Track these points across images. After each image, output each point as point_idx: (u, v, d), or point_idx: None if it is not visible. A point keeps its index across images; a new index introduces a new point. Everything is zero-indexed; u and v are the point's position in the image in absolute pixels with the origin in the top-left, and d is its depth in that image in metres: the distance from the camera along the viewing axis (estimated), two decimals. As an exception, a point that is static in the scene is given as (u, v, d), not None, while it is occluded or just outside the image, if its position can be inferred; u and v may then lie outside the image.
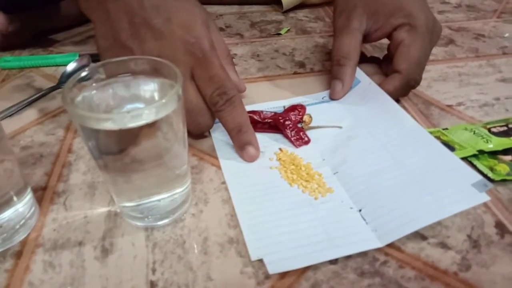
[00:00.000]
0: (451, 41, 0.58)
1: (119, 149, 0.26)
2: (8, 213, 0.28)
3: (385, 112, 0.37)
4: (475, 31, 0.61)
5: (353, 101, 0.41)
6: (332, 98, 0.43)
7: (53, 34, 0.62)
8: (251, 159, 0.36)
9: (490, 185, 0.28)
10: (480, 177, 0.28)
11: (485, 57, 0.54)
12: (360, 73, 0.42)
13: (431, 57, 0.53)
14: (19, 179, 0.29)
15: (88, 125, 0.24)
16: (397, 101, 0.42)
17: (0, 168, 0.27)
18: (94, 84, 0.27)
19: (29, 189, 0.30)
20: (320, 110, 0.41)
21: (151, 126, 0.25)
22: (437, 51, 0.55)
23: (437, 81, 0.48)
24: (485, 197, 0.27)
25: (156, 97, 0.29)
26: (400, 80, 0.40)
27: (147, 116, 0.24)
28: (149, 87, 0.29)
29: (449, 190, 0.28)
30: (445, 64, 0.52)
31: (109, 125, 0.24)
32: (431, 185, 0.29)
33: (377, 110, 0.38)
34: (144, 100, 0.29)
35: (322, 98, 0.43)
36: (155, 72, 0.28)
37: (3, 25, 0.53)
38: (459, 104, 0.44)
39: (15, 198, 0.29)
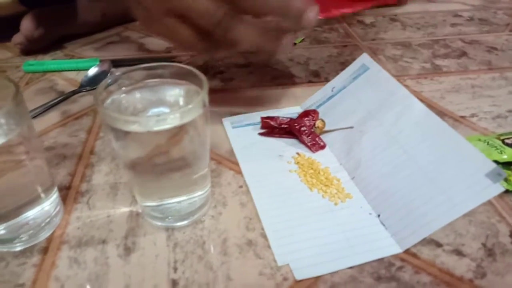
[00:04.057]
0: (463, 54, 0.59)
1: (146, 150, 0.27)
2: (35, 211, 0.29)
3: (394, 99, 0.36)
4: (488, 44, 0.62)
5: (362, 89, 0.41)
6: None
7: (74, 40, 0.64)
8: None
9: (504, 174, 0.26)
10: (494, 165, 0.26)
11: (497, 69, 0.54)
12: (368, 60, 0.42)
13: (444, 69, 0.55)
14: (48, 177, 0.30)
15: (116, 126, 0.25)
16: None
17: (31, 165, 0.28)
18: (123, 88, 0.28)
19: (55, 188, 0.31)
20: (331, 107, 0.42)
21: (178, 129, 0.26)
22: (450, 63, 0.56)
23: (450, 92, 0.49)
24: (499, 188, 0.26)
25: (181, 102, 0.30)
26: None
27: (171, 121, 0.25)
28: (175, 92, 0.30)
29: (462, 185, 0.28)
30: (458, 76, 0.53)
31: (136, 128, 0.25)
32: (443, 181, 0.29)
33: (387, 98, 0.37)
34: (169, 105, 0.30)
35: (332, 90, 0.44)
36: (181, 78, 0.29)
37: (30, 30, 0.55)
38: (473, 115, 0.44)
39: (42, 195, 0.30)
